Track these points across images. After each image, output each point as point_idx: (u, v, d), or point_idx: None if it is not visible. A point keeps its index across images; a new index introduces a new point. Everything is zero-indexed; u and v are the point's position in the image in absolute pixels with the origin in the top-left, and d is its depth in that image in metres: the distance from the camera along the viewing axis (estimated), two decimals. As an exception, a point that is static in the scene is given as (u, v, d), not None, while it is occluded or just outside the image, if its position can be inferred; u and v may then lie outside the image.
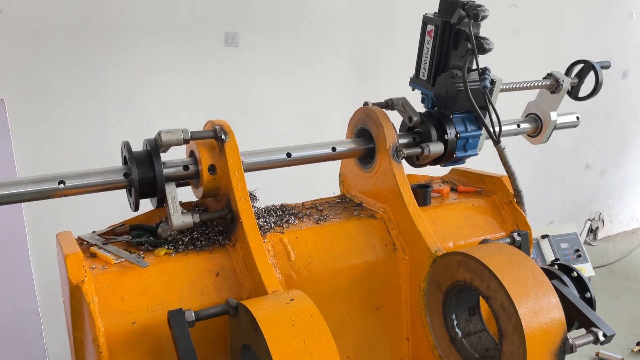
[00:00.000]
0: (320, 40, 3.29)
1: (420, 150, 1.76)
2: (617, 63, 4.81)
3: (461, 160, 1.90)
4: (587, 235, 5.21)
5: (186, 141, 1.44)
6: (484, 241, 1.57)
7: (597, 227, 5.23)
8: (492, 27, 3.83)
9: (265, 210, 1.74)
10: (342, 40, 3.36)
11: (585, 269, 3.40)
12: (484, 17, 1.67)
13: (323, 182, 2.08)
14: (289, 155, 1.67)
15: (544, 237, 3.43)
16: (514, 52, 4.02)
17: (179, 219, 1.43)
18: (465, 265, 1.43)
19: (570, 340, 1.32)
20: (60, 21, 2.65)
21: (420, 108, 1.89)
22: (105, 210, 1.74)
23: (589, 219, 5.20)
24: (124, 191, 1.49)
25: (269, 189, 2.66)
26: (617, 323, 3.77)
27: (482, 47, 1.67)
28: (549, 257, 3.37)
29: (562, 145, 4.65)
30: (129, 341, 1.29)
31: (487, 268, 1.36)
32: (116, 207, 1.64)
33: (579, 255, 3.42)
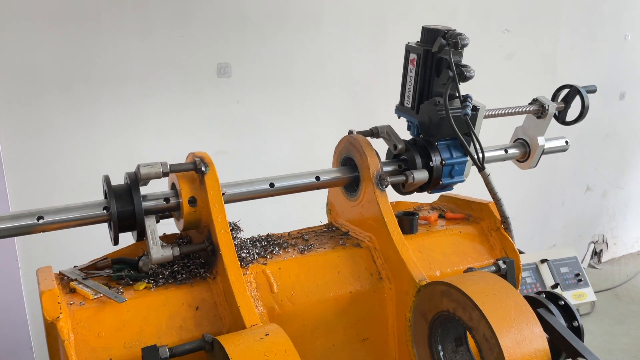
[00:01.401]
0: (313, 68, 3.32)
1: (404, 178, 1.76)
2: (615, 85, 4.82)
3: (448, 187, 1.90)
4: (592, 258, 5.14)
5: (165, 174, 1.44)
6: (469, 270, 1.56)
7: (601, 250, 5.16)
8: (485, 52, 3.90)
9: (250, 241, 1.73)
10: (334, 68, 3.39)
11: (587, 294, 3.34)
12: (464, 46, 1.68)
13: (319, 208, 2.08)
14: (272, 185, 1.67)
15: (543, 261, 3.38)
16: (508, 76, 4.04)
17: (159, 252, 1.42)
18: (448, 295, 1.40)
19: (556, 372, 1.29)
20: (53, 54, 2.70)
21: (407, 135, 1.90)
22: (100, 242, 1.73)
23: (592, 242, 5.13)
24: None
25: (265, 216, 2.66)
26: (621, 348, 3.69)
27: (462, 74, 1.68)
28: (549, 282, 3.32)
29: (562, 167, 4.63)
30: (104, 378, 1.27)
31: (469, 298, 1.34)
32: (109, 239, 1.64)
33: (580, 280, 3.36)
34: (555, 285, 3.28)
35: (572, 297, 3.33)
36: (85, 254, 1.67)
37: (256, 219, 2.33)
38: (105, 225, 1.48)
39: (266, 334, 1.19)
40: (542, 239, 4.69)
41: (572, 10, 4.36)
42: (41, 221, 1.38)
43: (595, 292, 4.18)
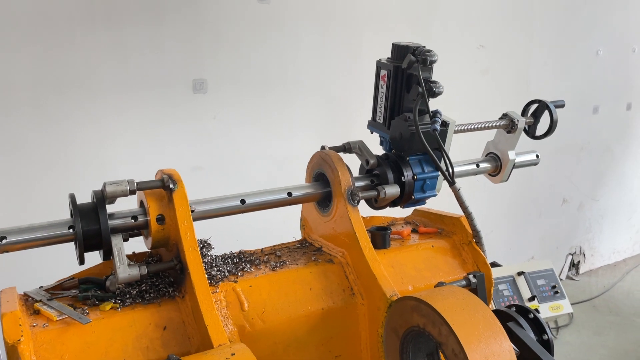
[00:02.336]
0: (289, 84, 3.34)
1: (376, 193, 1.76)
2: (588, 99, 4.92)
3: (420, 201, 1.90)
4: (569, 269, 5.19)
5: (132, 192, 1.42)
6: (439, 284, 1.56)
7: (579, 262, 5.22)
8: (461, 67, 3.95)
9: (221, 258, 1.71)
10: (311, 83, 3.42)
11: (563, 306, 3.37)
12: (432, 62, 1.70)
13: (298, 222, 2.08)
14: (243, 201, 1.66)
15: (520, 274, 3.41)
16: (483, 91, 4.10)
17: (125, 271, 1.40)
18: (418, 310, 1.40)
19: (525, 386, 1.29)
20: (22, 70, 2.67)
21: (381, 150, 1.91)
22: (70, 261, 1.70)
23: (570, 254, 5.19)
24: None
25: (242, 231, 2.65)
26: (600, 359, 3.72)
27: (432, 90, 1.70)
28: (526, 294, 3.34)
29: (538, 180, 4.70)
30: (67, 403, 1.24)
31: (438, 313, 1.34)
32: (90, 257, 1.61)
33: (556, 292, 3.40)
34: (532, 298, 3.31)
35: (549, 309, 3.36)
36: (55, 274, 1.64)
37: (233, 235, 2.31)
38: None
39: (232, 354, 1.17)
40: (520, 251, 4.73)
41: (545, 26, 4.46)
42: (4, 241, 1.35)
43: (573, 304, 4.22)
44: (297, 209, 1.98)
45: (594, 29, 4.77)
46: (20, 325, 1.23)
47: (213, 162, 3.16)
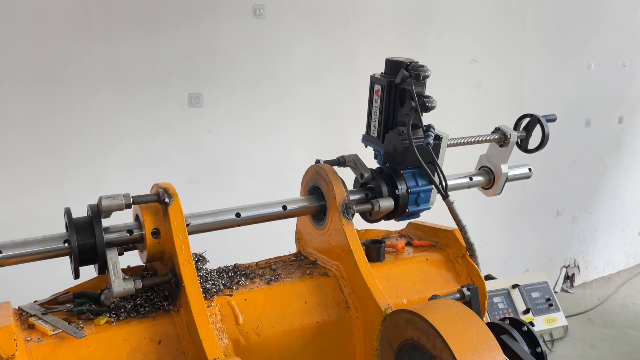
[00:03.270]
0: (284, 98, 3.36)
1: (371, 206, 1.78)
2: (580, 112, 4.98)
3: (415, 214, 1.92)
4: (564, 282, 5.21)
5: (127, 206, 1.43)
6: (433, 297, 1.57)
7: (574, 274, 5.24)
8: (454, 82, 3.99)
9: (216, 272, 1.72)
10: (305, 97, 3.44)
11: (558, 319, 3.38)
12: (425, 77, 1.73)
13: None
14: (238, 215, 1.67)
15: (514, 286, 3.42)
16: (476, 105, 4.15)
17: (120, 285, 1.40)
18: (413, 323, 1.41)
19: (519, 399, 1.30)
20: (18, 85, 2.68)
21: (374, 164, 1.92)
22: (65, 275, 1.70)
23: (565, 266, 5.21)
24: None
25: (238, 245, 2.65)
26: (595, 373, 3.73)
27: (425, 105, 1.72)
28: (521, 307, 3.35)
29: (532, 193, 4.72)
30: (61, 418, 1.23)
31: (432, 326, 1.34)
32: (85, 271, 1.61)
33: (551, 305, 3.41)
34: (527, 311, 3.31)
35: (543, 322, 3.36)
36: (51, 288, 1.64)
37: (228, 248, 2.32)
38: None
39: (226, 367, 1.17)
40: (514, 264, 4.74)
41: (537, 40, 4.52)
42: (-1, 255, 1.35)
43: (568, 317, 4.23)
44: (291, 222, 2.00)
45: (585, 43, 4.84)
46: (14, 339, 1.23)
47: (208, 176, 3.17)
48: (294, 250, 2.01)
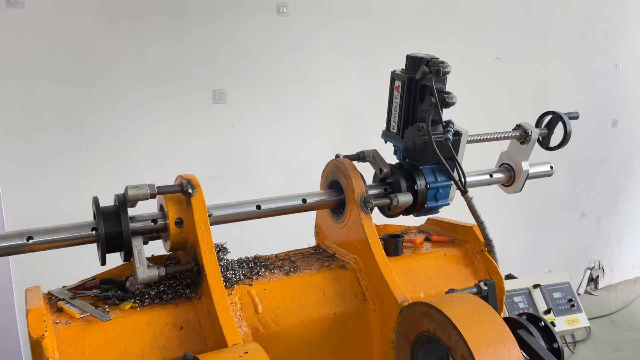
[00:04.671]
0: (305, 95, 3.40)
1: (389, 200, 1.80)
2: (607, 112, 4.89)
3: (433, 210, 1.93)
4: (588, 284, 5.13)
5: (152, 196, 1.48)
6: (450, 291, 1.58)
7: (598, 276, 5.16)
8: (477, 80, 3.97)
9: (237, 262, 1.76)
10: (326, 95, 3.47)
11: (580, 319, 3.34)
12: (445, 73, 1.74)
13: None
14: (258, 207, 1.70)
15: (535, 286, 3.39)
16: (500, 104, 4.11)
17: (145, 272, 1.45)
18: (429, 316, 1.43)
19: (534, 392, 1.31)
20: (49, 80, 2.77)
21: (393, 159, 1.94)
22: (93, 263, 1.76)
23: (589, 268, 5.13)
24: None
25: (257, 238, 2.69)
26: (618, 376, 3.67)
27: (444, 101, 1.73)
28: (542, 307, 3.32)
29: (556, 193, 4.67)
30: (87, 397, 1.29)
31: (448, 318, 1.36)
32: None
33: (573, 305, 3.37)
34: (548, 311, 3.28)
35: (565, 322, 3.32)
36: (78, 274, 1.70)
37: (249, 242, 2.36)
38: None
39: (245, 352, 1.21)
40: (537, 265, 4.69)
41: (563, 39, 4.46)
42: (30, 241, 1.41)
43: (592, 319, 4.17)
44: (311, 217, 2.02)
45: (612, 42, 4.76)
46: (44, 321, 1.29)
47: (230, 170, 3.22)
48: (313, 243, 2.04)
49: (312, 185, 2.13)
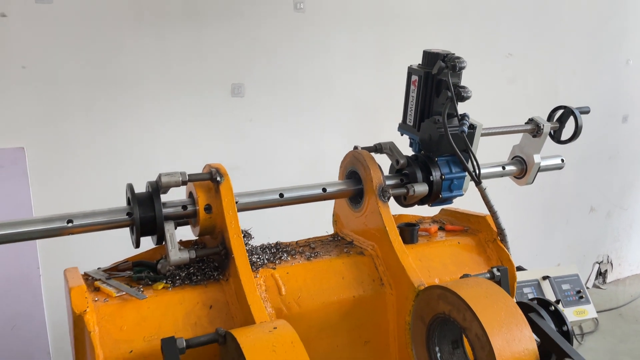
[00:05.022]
0: (321, 90, 3.47)
1: (406, 190, 1.87)
2: (617, 108, 4.93)
3: (448, 200, 2.00)
4: (596, 278, 5.18)
5: (184, 183, 1.56)
6: (464, 276, 1.65)
7: (606, 270, 5.20)
8: (488, 76, 4.03)
9: (260, 248, 1.85)
10: (342, 90, 3.54)
11: (588, 311, 3.40)
12: (461, 68, 1.80)
13: (324, 224, 2.19)
14: (281, 195, 1.79)
15: (545, 278, 3.46)
16: (510, 99, 4.16)
17: (176, 255, 1.54)
18: (444, 298, 1.50)
19: (544, 370, 1.38)
20: (76, 74, 2.87)
21: (409, 152, 2.01)
22: (114, 251, 1.86)
23: (597, 262, 5.18)
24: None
25: (274, 229, 2.77)
26: (625, 367, 3.73)
27: (460, 95, 1.80)
28: (551, 298, 3.37)
29: (566, 188, 4.72)
30: (125, 369, 1.38)
31: (463, 300, 1.44)
32: (124, 248, 1.76)
33: (581, 297, 3.43)
34: (557, 302, 3.34)
35: (573, 313, 3.39)
36: (102, 262, 1.79)
37: (265, 233, 2.44)
38: (116, 236, 1.60)
39: (274, 327, 1.29)
40: (546, 258, 4.75)
41: (574, 35, 4.50)
42: (70, 224, 1.50)
43: (600, 312, 4.22)
44: (322, 209, 2.09)
45: (624, 38, 4.79)
46: (86, 297, 1.38)
47: (248, 163, 3.30)
48: (331, 232, 2.12)
49: (326, 177, 2.20)
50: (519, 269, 3.57)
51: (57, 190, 2.87)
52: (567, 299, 3.44)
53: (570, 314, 3.41)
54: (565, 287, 3.48)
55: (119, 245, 1.92)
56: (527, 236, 4.56)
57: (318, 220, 2.42)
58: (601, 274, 5.16)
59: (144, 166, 3.00)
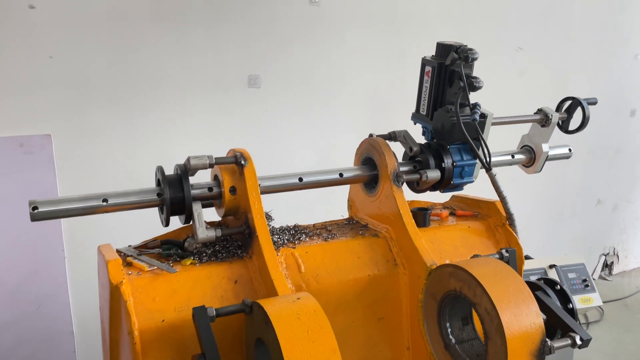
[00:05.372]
0: (335, 81, 3.56)
1: (419, 176, 1.96)
2: (625, 102, 4.98)
3: (459, 187, 2.08)
4: (602, 270, 5.25)
5: (211, 165, 1.66)
6: (474, 256, 1.74)
7: (612, 262, 5.27)
8: (498, 69, 4.09)
9: (279, 229, 1.94)
10: (355, 81, 3.63)
11: (593, 299, 3.48)
12: (474, 59, 1.88)
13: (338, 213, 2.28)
14: (300, 179, 1.88)
15: (551, 266, 3.54)
16: (520, 92, 4.23)
17: (204, 232, 1.64)
18: (456, 276, 1.59)
19: (549, 343, 1.47)
20: (100, 64, 2.98)
21: (422, 140, 2.10)
22: (130, 237, 1.96)
23: (603, 254, 5.25)
24: (152, 221, 1.72)
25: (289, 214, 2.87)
26: (628, 355, 3.81)
27: (472, 85, 1.88)
28: (557, 286, 3.48)
29: (573, 180, 4.79)
30: (158, 336, 1.48)
31: (473, 277, 1.52)
32: (145, 234, 1.87)
33: (587, 285, 3.51)
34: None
35: (579, 301, 3.46)
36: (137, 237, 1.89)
37: (281, 221, 2.54)
38: (139, 221, 1.67)
39: (298, 298, 1.39)
40: (553, 250, 4.82)
41: (583, 30, 4.55)
42: (105, 203, 1.60)
43: (605, 302, 4.29)
44: (334, 197, 2.15)
45: (632, 33, 4.83)
46: (122, 270, 1.48)
47: (263, 152, 3.40)
48: (346, 216, 2.21)
49: (340, 166, 2.30)
50: (526, 257, 3.65)
51: (82, 175, 2.98)
52: (573, 287, 3.52)
53: (576, 302, 3.48)
54: (571, 275, 3.56)
55: (136, 232, 2.03)
56: (534, 228, 4.64)
57: (332, 210, 2.52)
58: (607, 266, 5.24)
59: (164, 154, 3.10)
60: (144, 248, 1.77)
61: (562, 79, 4.53)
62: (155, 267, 1.60)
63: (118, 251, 1.74)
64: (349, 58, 3.60)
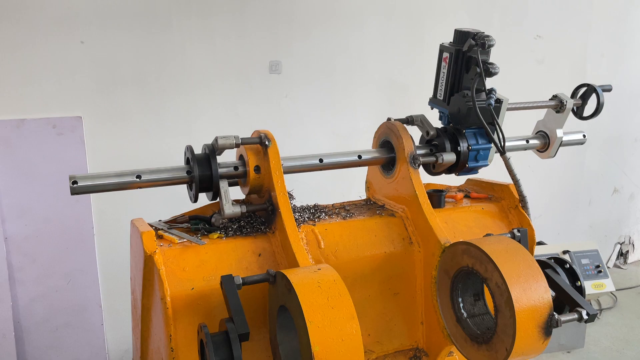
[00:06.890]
0: (354, 68, 3.63)
1: (435, 159, 2.03)
2: (645, 91, 4.96)
3: (473, 170, 2.15)
4: (617, 258, 5.27)
5: (237, 145, 1.76)
6: (487, 235, 1.82)
7: (627, 251, 5.28)
8: (517, 56, 4.12)
9: (300, 208, 2.04)
10: (374, 68, 3.69)
11: (606, 285, 3.52)
12: (490, 46, 1.94)
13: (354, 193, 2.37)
14: (321, 160, 1.97)
15: (565, 252, 3.59)
16: (538, 80, 4.25)
17: (230, 208, 1.74)
18: (468, 253, 1.67)
19: (556, 316, 1.54)
20: (129, 49, 3.09)
21: (438, 124, 2.17)
22: (159, 215, 2.07)
23: (619, 243, 5.26)
24: (174, 200, 1.80)
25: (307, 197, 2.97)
26: (640, 340, 3.86)
27: (488, 71, 1.94)
28: (570, 271, 3.52)
29: (589, 169, 4.80)
30: (188, 303, 1.59)
31: (485, 253, 1.60)
32: (167, 213, 1.98)
33: (600, 271, 3.55)
34: (576, 275, 3.49)
35: (591, 287, 3.52)
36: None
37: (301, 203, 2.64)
38: (165, 201, 1.76)
39: (318, 269, 1.49)
40: (568, 237, 4.86)
41: (603, 18, 4.54)
42: (139, 179, 1.71)
43: (619, 290, 4.32)
44: (352, 184, 2.21)
45: (654, 21, 4.80)
46: (155, 240, 1.59)
47: (283, 137, 3.48)
48: (364, 197, 2.30)
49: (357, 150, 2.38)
50: (540, 243, 3.70)
51: (111, 156, 3.11)
52: (586, 273, 3.56)
53: (589, 287, 3.54)
54: (584, 261, 3.60)
55: (160, 211, 2.14)
56: (549, 215, 4.67)
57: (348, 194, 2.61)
58: (622, 255, 5.25)
59: (186, 134, 3.22)
60: (173, 222, 1.87)
61: (581, 67, 4.53)
62: (184, 240, 1.71)
63: (149, 225, 1.85)
64: (368, 44, 3.66)
